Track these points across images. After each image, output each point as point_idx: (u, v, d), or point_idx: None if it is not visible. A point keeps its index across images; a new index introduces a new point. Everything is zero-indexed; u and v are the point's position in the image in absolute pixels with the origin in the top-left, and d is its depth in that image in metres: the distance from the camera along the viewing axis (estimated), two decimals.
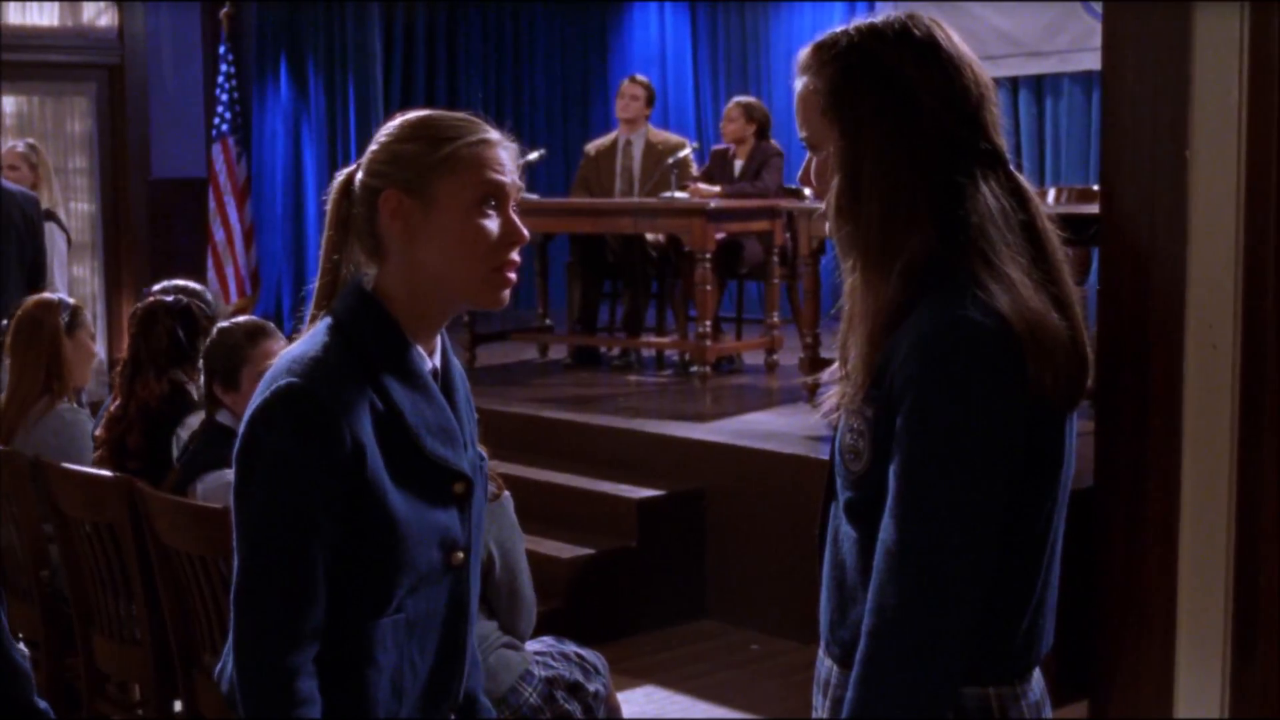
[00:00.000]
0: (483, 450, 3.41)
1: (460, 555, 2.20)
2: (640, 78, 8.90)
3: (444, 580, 2.19)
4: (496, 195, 2.15)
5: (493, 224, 2.14)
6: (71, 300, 4.89)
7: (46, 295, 4.95)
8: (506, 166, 2.17)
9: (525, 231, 2.17)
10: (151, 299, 4.35)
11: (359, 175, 2.19)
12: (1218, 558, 1.92)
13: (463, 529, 2.20)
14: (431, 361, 2.20)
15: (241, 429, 2.10)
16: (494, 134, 2.18)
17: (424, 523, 2.13)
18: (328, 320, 2.16)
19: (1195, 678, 1.96)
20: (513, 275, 2.18)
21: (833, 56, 1.93)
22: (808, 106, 1.96)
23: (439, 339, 2.24)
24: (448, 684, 2.24)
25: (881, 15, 1.95)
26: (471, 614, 2.27)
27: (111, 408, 4.27)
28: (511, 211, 2.17)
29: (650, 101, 8.70)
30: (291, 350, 2.14)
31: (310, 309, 2.23)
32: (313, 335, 2.15)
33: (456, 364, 2.30)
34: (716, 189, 8.18)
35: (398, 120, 2.20)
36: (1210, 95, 1.91)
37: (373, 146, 2.19)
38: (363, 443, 2.05)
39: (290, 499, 2.04)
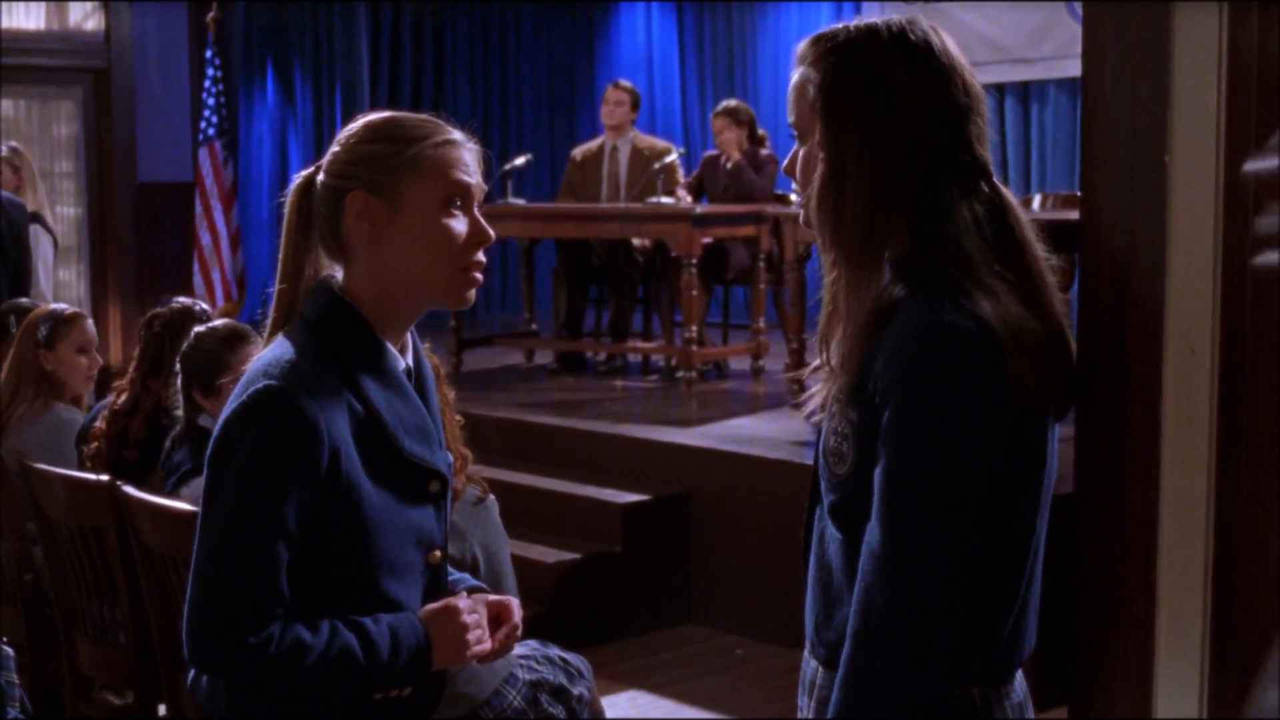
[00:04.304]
0: (467, 453, 3.42)
1: (438, 554, 2.22)
2: (624, 83, 8.89)
3: (421, 580, 2.21)
4: (462, 196, 2.17)
5: (459, 224, 2.16)
6: (67, 309, 4.90)
7: (40, 309, 4.95)
8: (471, 167, 2.19)
9: (491, 231, 2.19)
10: (181, 305, 4.36)
11: (320, 177, 2.19)
12: (1196, 561, 1.93)
13: (439, 528, 2.22)
14: (404, 360, 2.22)
15: (216, 431, 2.11)
16: (458, 135, 2.20)
17: (399, 522, 2.15)
18: (300, 323, 2.17)
19: (1174, 680, 1.97)
20: (479, 275, 2.20)
21: (828, 50, 1.96)
22: (800, 96, 1.99)
23: (409, 338, 2.26)
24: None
25: (882, 16, 1.97)
26: None
27: (117, 403, 4.26)
28: (477, 212, 2.19)
29: (635, 106, 8.69)
30: (266, 354, 2.15)
31: (272, 313, 2.23)
32: (286, 339, 2.16)
33: (427, 363, 2.31)
34: (690, 201, 8.17)
35: (361, 122, 2.21)
36: (1189, 100, 1.92)
37: (335, 148, 2.20)
38: (338, 445, 2.06)
39: (261, 500, 2.05)
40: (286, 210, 2.22)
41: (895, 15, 1.97)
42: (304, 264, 2.21)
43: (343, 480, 2.07)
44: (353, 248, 2.16)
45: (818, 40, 1.98)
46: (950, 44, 1.96)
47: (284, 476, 2.04)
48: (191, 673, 2.20)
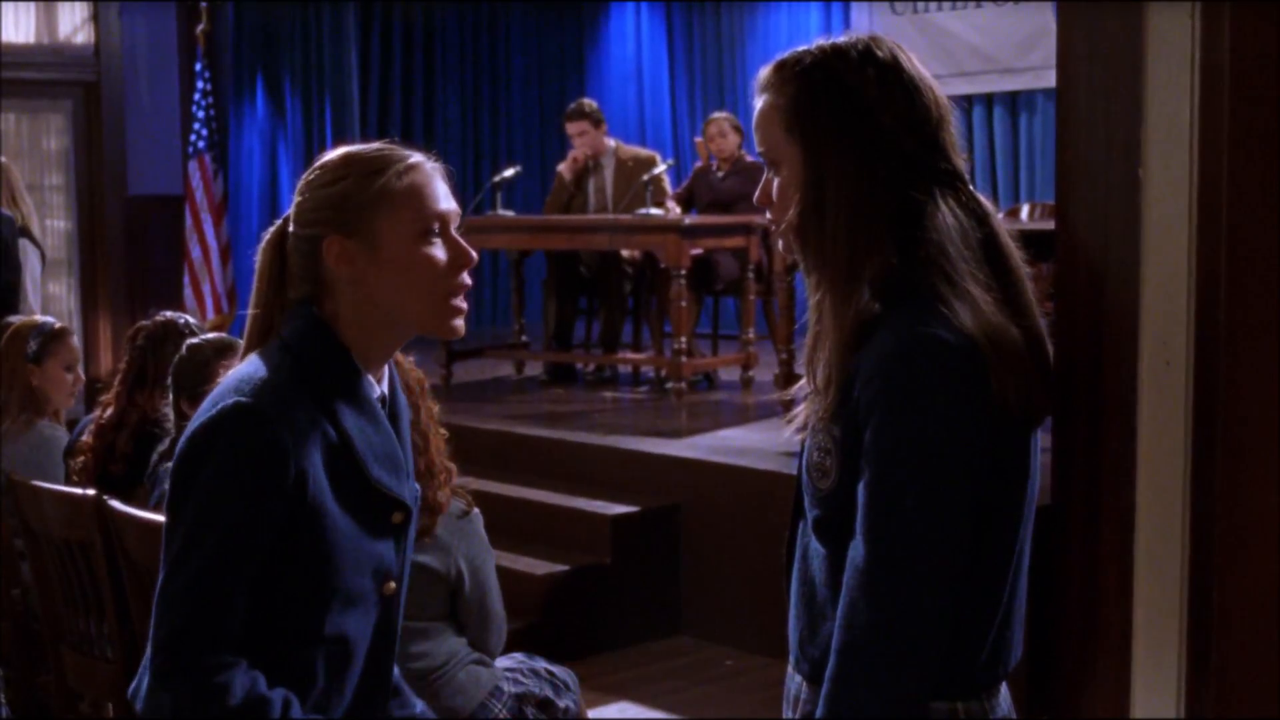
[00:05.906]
0: (452, 466, 3.42)
1: (392, 585, 2.18)
2: (580, 108, 8.65)
3: (374, 610, 2.17)
4: (439, 222, 2.13)
5: (439, 251, 2.13)
6: (55, 323, 4.89)
7: (24, 320, 4.95)
8: (440, 190, 2.15)
9: (473, 253, 2.15)
10: (165, 319, 4.36)
11: (291, 228, 2.16)
12: (1173, 571, 1.94)
13: (396, 559, 2.19)
14: (379, 388, 2.19)
15: (182, 444, 2.07)
16: (416, 157, 2.16)
17: (360, 550, 2.11)
18: (277, 343, 2.13)
19: (1151, 690, 1.97)
20: (463, 304, 2.16)
21: (795, 74, 1.95)
22: (769, 124, 1.97)
23: (386, 366, 2.23)
24: (371, 713, 2.22)
25: (844, 36, 1.97)
26: (397, 645, 2.25)
27: (103, 417, 4.26)
28: (455, 234, 2.15)
29: (599, 123, 8.55)
30: (240, 370, 2.11)
31: (245, 337, 2.20)
32: (261, 356, 2.12)
33: (401, 393, 2.28)
34: (679, 212, 8.19)
35: (316, 165, 2.17)
36: (1163, 113, 1.93)
37: (298, 197, 2.17)
38: (305, 467, 2.03)
39: (225, 517, 2.01)
40: (258, 264, 2.18)
41: (860, 34, 1.97)
42: (277, 301, 2.18)
43: (308, 502, 2.04)
44: (333, 285, 2.13)
45: (782, 66, 1.97)
46: (915, 59, 1.96)
47: (248, 494, 2.00)
48: (135, 681, 2.14)
